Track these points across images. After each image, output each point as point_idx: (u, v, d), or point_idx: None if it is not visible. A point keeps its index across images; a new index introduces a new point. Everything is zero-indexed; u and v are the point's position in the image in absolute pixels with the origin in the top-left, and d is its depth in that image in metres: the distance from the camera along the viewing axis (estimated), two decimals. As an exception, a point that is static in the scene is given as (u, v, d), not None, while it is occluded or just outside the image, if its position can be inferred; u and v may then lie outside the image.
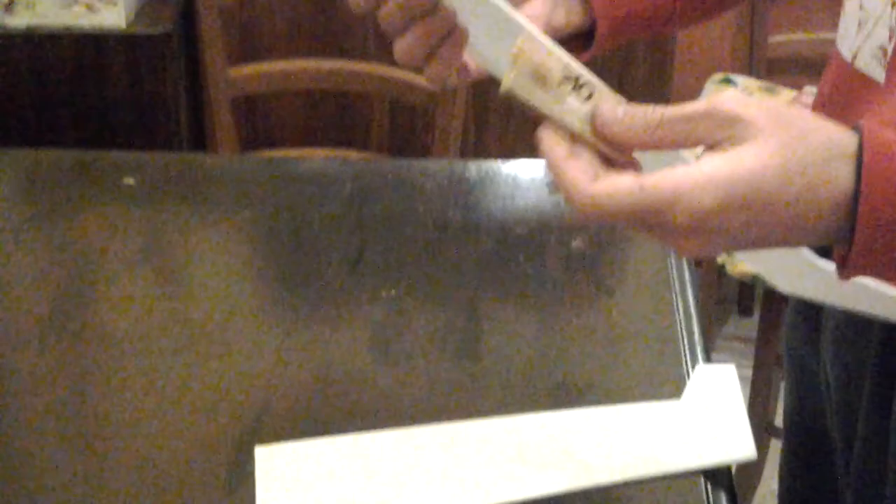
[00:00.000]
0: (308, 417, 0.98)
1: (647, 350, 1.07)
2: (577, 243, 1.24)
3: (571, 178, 0.59)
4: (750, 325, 2.53)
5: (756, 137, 0.57)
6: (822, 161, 0.57)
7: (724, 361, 1.02)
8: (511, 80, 0.63)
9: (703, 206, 0.57)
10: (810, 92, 2.26)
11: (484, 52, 0.81)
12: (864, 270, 0.61)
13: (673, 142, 0.59)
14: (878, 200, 0.57)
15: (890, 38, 0.75)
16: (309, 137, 2.36)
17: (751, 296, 2.61)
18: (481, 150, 2.36)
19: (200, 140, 2.58)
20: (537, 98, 0.63)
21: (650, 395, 0.99)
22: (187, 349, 1.07)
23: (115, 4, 2.26)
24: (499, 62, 0.75)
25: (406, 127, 2.34)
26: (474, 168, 1.37)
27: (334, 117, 2.36)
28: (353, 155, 1.94)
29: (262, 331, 1.10)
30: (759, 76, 2.37)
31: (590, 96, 0.62)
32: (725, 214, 0.57)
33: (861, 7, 0.78)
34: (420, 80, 1.80)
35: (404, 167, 1.42)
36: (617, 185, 0.58)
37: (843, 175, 0.58)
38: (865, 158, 0.58)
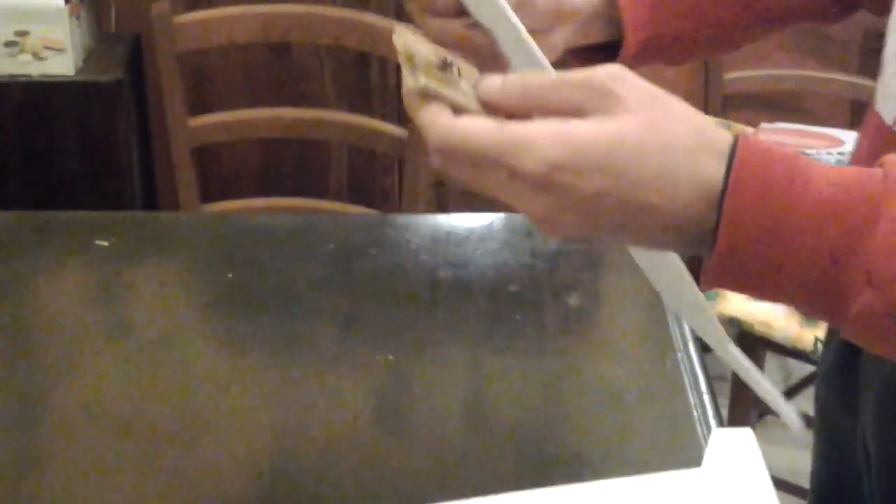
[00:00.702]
0: (313, 495, 0.94)
1: (660, 414, 1.04)
2: (573, 300, 1.21)
3: (432, 111, 0.59)
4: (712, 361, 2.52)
5: (624, 112, 0.56)
6: (686, 149, 0.56)
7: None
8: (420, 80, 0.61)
9: (555, 156, 0.55)
10: (767, 129, 2.27)
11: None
12: (727, 278, 0.58)
13: (548, 108, 0.57)
14: (745, 200, 0.55)
15: None
16: (265, 185, 2.31)
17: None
18: (445, 196, 2.34)
19: (151, 188, 2.52)
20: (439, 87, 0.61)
21: (667, 462, 0.96)
22: (178, 429, 1.01)
23: (63, 52, 2.20)
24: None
25: (365, 173, 2.31)
26: (459, 222, 1.34)
27: (291, 164, 2.32)
28: (316, 205, 1.89)
29: (257, 405, 1.05)
30: (715, 113, 2.38)
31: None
32: (575, 174, 0.56)
33: None
34: (385, 127, 1.77)
35: (387, 222, 1.38)
36: (478, 121, 0.57)
37: (709, 169, 0.56)
38: (736, 159, 0.56)
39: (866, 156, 0.81)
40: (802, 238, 0.55)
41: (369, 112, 1.84)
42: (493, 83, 0.59)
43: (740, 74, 2.40)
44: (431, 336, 1.15)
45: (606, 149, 0.56)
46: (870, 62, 2.70)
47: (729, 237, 0.56)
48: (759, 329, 1.83)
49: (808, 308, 0.58)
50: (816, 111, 2.60)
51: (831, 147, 2.20)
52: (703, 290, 0.61)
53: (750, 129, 2.30)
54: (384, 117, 1.78)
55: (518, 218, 1.36)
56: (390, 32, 1.75)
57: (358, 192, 2.29)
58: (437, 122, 0.58)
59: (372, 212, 1.84)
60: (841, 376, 0.94)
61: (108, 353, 1.12)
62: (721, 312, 1.88)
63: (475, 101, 0.60)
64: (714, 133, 0.57)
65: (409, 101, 0.61)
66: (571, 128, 0.56)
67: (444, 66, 0.62)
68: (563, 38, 0.78)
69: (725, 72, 2.38)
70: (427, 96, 0.61)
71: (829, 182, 0.56)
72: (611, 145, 0.56)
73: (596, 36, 0.80)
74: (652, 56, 0.81)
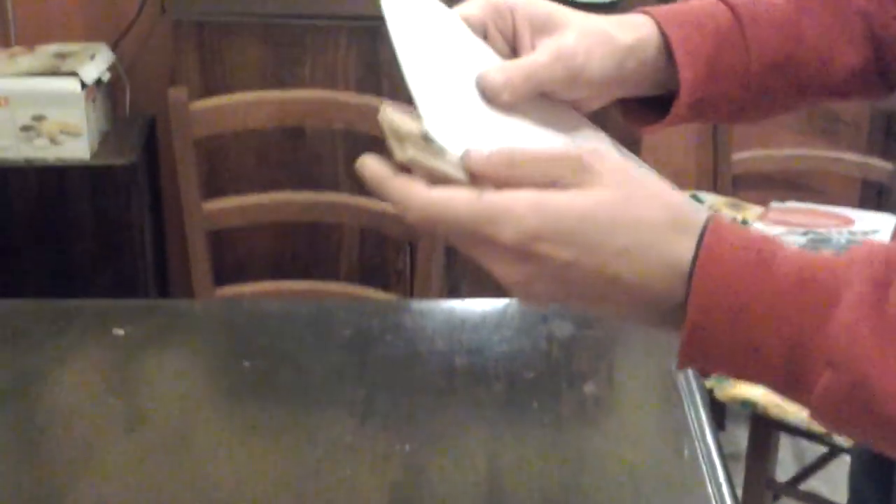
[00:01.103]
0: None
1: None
2: (589, 387, 1.21)
3: (403, 187, 0.61)
4: (724, 440, 2.51)
5: (599, 187, 0.59)
6: (656, 226, 0.59)
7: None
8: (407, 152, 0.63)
9: (531, 226, 0.58)
10: (777, 208, 2.28)
11: None
12: (697, 355, 0.60)
13: (531, 179, 0.60)
14: (713, 280, 0.57)
15: None
16: (278, 267, 2.32)
17: (722, 411, 2.60)
18: (457, 277, 2.34)
19: (164, 271, 2.53)
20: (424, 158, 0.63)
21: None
22: (198, 519, 1.01)
23: (79, 136, 2.23)
24: None
25: (377, 255, 2.32)
26: (474, 307, 1.35)
27: (304, 247, 2.33)
28: (329, 288, 1.90)
29: (273, 495, 1.05)
30: (725, 192, 2.40)
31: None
32: (550, 244, 0.58)
33: None
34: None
35: (402, 308, 1.39)
36: (455, 192, 0.60)
37: (679, 248, 0.59)
38: (706, 239, 0.58)
39: None
40: (768, 320, 0.57)
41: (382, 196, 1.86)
42: (480, 154, 0.61)
43: (750, 154, 2.42)
44: (448, 425, 1.15)
45: (579, 221, 0.58)
46: (878, 142, 2.72)
47: (697, 315, 0.58)
48: (773, 411, 1.83)
49: (776, 387, 0.60)
50: (826, 190, 2.62)
51: (842, 226, 2.20)
52: (679, 369, 0.62)
53: (759, 209, 2.31)
54: (397, 200, 1.79)
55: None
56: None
57: (370, 275, 2.29)
58: (412, 194, 0.61)
59: (385, 294, 1.84)
60: (877, 462, 0.93)
61: (125, 444, 1.12)
62: (734, 395, 1.87)
63: (461, 171, 0.62)
64: (686, 212, 0.60)
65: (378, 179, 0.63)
66: (548, 198, 0.58)
67: (428, 137, 0.64)
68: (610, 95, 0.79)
69: (735, 152, 2.40)
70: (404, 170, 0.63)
71: (795, 267, 0.57)
72: (584, 218, 0.58)
73: (646, 90, 0.80)
74: (701, 115, 0.81)
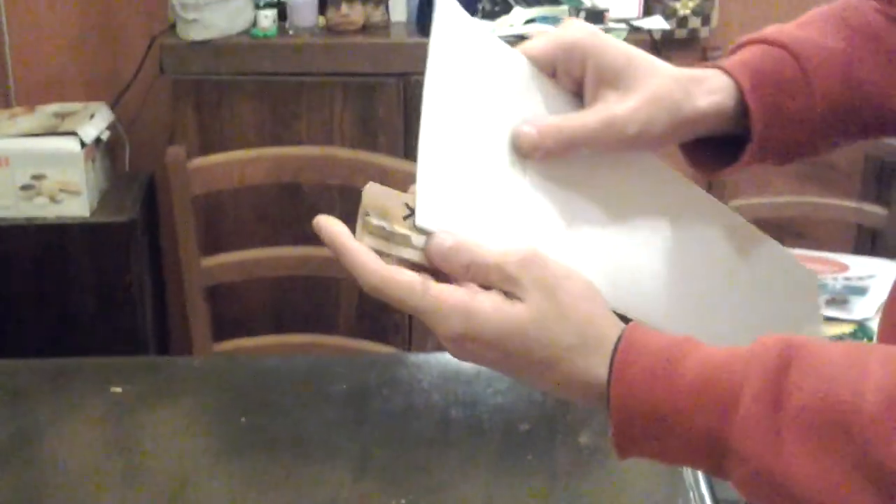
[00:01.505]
0: None
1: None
2: (583, 438, 1.21)
3: (357, 257, 0.67)
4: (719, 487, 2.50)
5: (521, 299, 0.66)
6: (567, 346, 0.66)
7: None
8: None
9: (457, 330, 0.65)
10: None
11: None
12: (628, 451, 0.65)
13: (479, 282, 0.67)
14: (627, 391, 0.64)
15: None
16: (277, 322, 2.34)
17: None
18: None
19: (164, 325, 2.54)
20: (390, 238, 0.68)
21: None
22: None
23: (79, 194, 2.25)
24: None
25: (375, 308, 2.33)
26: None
27: (302, 301, 2.34)
28: (327, 341, 1.91)
29: (272, 551, 1.05)
30: (720, 240, 2.41)
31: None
32: (475, 345, 0.66)
33: None
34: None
35: (398, 361, 1.40)
36: (402, 279, 0.66)
37: (591, 365, 0.66)
38: (618, 356, 0.65)
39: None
40: (681, 421, 0.63)
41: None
42: (441, 247, 0.67)
43: (745, 201, 2.43)
44: (444, 478, 1.16)
45: (498, 332, 0.66)
46: (872, 187, 2.73)
47: (618, 420, 0.64)
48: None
49: (710, 474, 0.65)
50: (821, 236, 2.63)
51: (837, 272, 2.21)
52: (621, 459, 0.67)
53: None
54: (394, 253, 1.81)
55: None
56: (401, 172, 1.79)
57: (369, 328, 2.30)
58: (366, 267, 0.67)
59: (384, 347, 1.85)
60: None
61: (124, 500, 1.12)
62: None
63: (422, 254, 0.68)
64: (598, 330, 0.67)
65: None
66: (475, 307, 0.66)
67: (409, 215, 0.68)
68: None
69: (730, 198, 2.41)
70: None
71: (699, 370, 0.63)
72: (501, 330, 0.65)
73: (713, 132, 0.79)
74: (764, 159, 0.81)
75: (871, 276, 2.21)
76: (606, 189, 0.78)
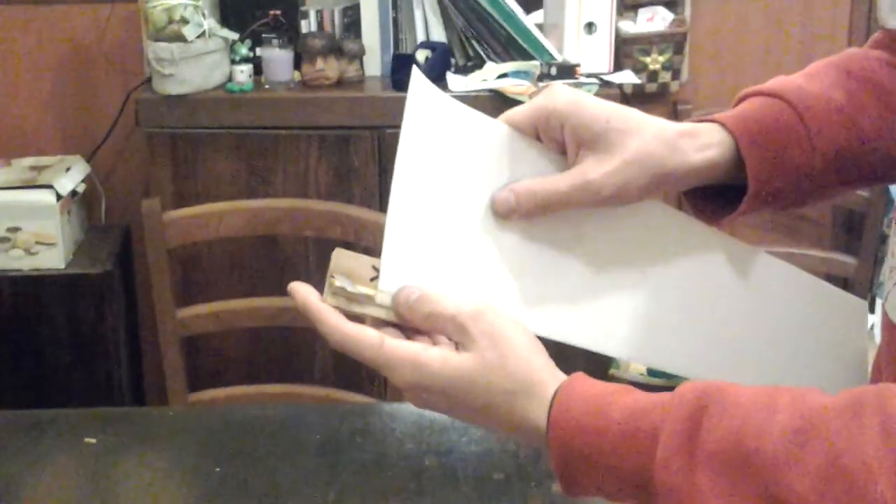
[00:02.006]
0: None
1: None
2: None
3: (324, 318, 0.74)
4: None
5: (469, 350, 0.72)
6: (507, 391, 0.72)
7: None
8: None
9: (408, 380, 0.72)
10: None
11: None
12: (572, 489, 0.71)
13: (437, 332, 0.74)
14: (564, 435, 0.69)
15: None
16: (252, 372, 2.34)
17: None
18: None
19: (139, 376, 2.54)
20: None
21: None
22: None
23: (54, 246, 2.26)
24: None
25: (349, 359, 2.33)
26: (443, 410, 1.37)
27: (277, 351, 2.35)
28: (303, 391, 1.92)
29: None
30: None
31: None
32: (428, 394, 0.73)
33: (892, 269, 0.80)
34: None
35: (372, 411, 1.40)
36: (361, 335, 0.73)
37: (530, 411, 0.72)
38: (556, 402, 0.71)
39: (885, 357, 0.83)
40: (610, 460, 0.68)
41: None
42: (408, 297, 0.74)
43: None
44: (418, 526, 1.16)
45: (444, 381, 0.72)
46: (841, 238, 2.77)
47: (559, 463, 0.70)
48: None
49: None
50: (790, 286, 2.65)
51: (807, 321, 2.24)
52: (570, 497, 0.73)
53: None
54: (368, 304, 1.82)
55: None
56: (375, 223, 1.79)
57: (345, 378, 2.31)
58: (330, 327, 0.73)
59: (359, 397, 1.86)
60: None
61: (97, 553, 1.12)
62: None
63: (387, 309, 0.74)
64: (539, 378, 0.72)
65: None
66: (423, 358, 0.72)
67: (375, 277, 0.75)
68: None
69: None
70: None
71: (626, 415, 0.68)
72: (447, 379, 0.72)
73: (711, 182, 0.81)
74: (761, 208, 0.83)
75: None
76: (598, 239, 0.80)
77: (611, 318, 0.80)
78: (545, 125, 0.78)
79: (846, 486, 0.60)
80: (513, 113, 0.79)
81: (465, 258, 0.76)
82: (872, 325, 2.37)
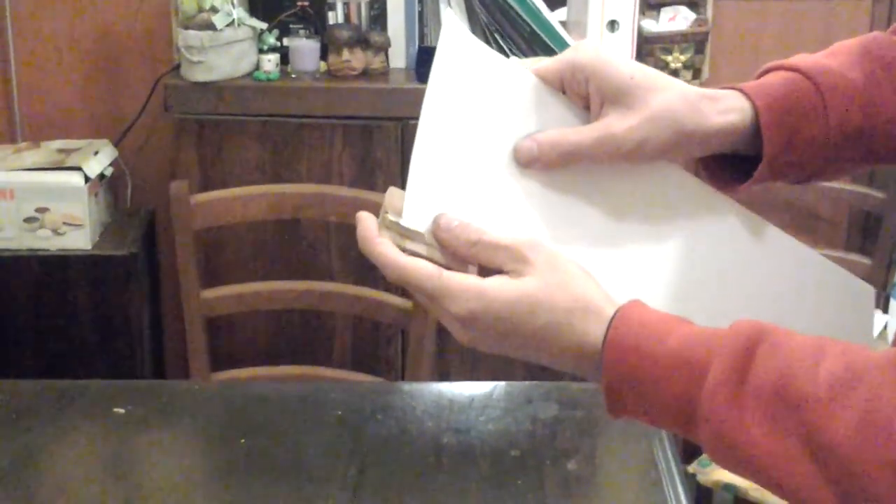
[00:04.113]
0: None
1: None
2: (572, 465, 1.26)
3: (382, 251, 0.75)
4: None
5: (529, 275, 0.74)
6: (569, 309, 0.74)
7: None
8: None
9: (472, 308, 0.73)
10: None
11: None
12: (616, 410, 0.74)
13: (482, 260, 0.76)
14: (617, 355, 0.72)
15: None
16: (273, 354, 2.37)
17: (709, 497, 2.62)
18: (447, 364, 2.40)
19: (160, 357, 2.58)
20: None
21: None
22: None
23: (81, 227, 2.30)
24: None
25: (369, 343, 2.37)
26: (462, 390, 1.40)
27: (298, 334, 2.38)
28: (322, 373, 1.95)
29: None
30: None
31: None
32: (485, 322, 0.74)
33: None
34: (389, 298, 1.84)
35: (393, 389, 1.44)
36: (419, 266, 0.75)
37: (589, 327, 0.74)
38: (614, 323, 0.73)
39: None
40: (660, 384, 0.71)
41: (374, 284, 1.92)
42: (449, 222, 0.75)
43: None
44: (437, 501, 1.20)
45: (509, 305, 0.73)
46: (856, 239, 2.79)
47: (608, 382, 0.73)
48: (753, 495, 1.87)
49: (683, 434, 0.72)
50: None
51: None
52: (611, 418, 0.75)
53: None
54: (388, 289, 1.85)
55: (518, 386, 1.42)
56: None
57: (362, 361, 2.34)
58: (388, 260, 0.75)
59: (376, 379, 1.89)
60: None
61: (126, 516, 1.16)
62: (716, 480, 1.91)
63: (431, 242, 0.76)
64: (598, 299, 0.75)
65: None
66: (486, 284, 0.74)
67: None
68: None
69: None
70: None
71: (681, 343, 0.71)
72: (512, 302, 0.73)
73: (728, 149, 0.84)
74: (776, 178, 0.85)
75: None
76: (616, 196, 0.83)
77: (620, 273, 0.82)
78: (571, 79, 0.80)
79: (885, 437, 0.63)
80: (541, 65, 0.82)
81: (486, 200, 0.78)
82: (886, 325, 2.39)
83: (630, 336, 0.72)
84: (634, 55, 2.49)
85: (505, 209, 0.79)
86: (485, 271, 0.77)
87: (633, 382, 0.72)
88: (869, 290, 0.96)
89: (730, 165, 0.86)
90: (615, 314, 0.74)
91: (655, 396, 0.71)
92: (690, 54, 2.54)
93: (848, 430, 0.64)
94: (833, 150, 0.84)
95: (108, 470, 1.26)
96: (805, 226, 2.74)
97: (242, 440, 1.30)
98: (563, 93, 0.82)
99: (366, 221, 0.77)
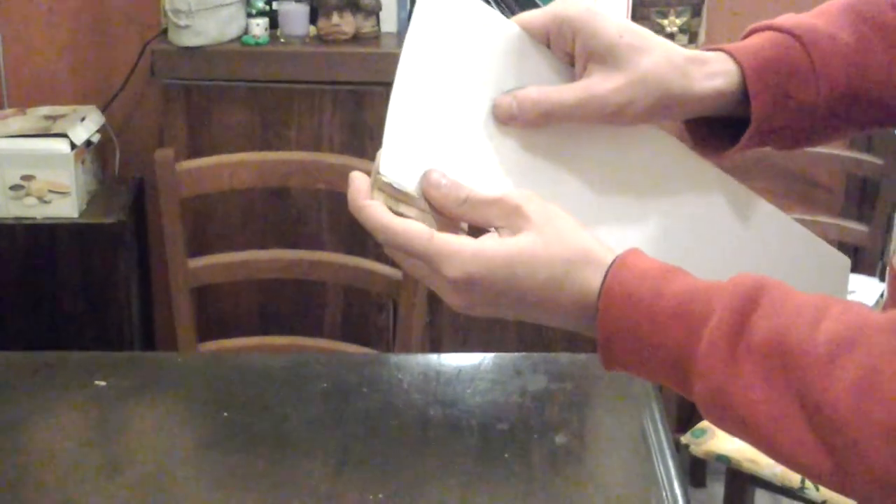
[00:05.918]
0: None
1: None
2: (560, 438, 1.24)
3: (372, 212, 0.72)
4: (704, 496, 2.55)
5: (525, 231, 0.71)
6: (568, 260, 0.71)
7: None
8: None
9: (468, 271, 0.70)
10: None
11: None
12: (611, 361, 0.71)
13: (473, 218, 0.73)
14: (614, 305, 0.69)
15: None
16: (262, 324, 2.35)
17: (703, 468, 2.62)
18: (438, 334, 2.38)
19: (149, 326, 2.56)
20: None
21: None
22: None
23: (68, 195, 2.27)
24: None
25: (360, 312, 2.35)
26: (450, 361, 1.38)
27: (287, 304, 2.36)
28: (312, 343, 1.93)
29: (251, 542, 1.07)
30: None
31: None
32: (484, 284, 0.70)
33: None
34: (380, 268, 1.82)
35: (379, 361, 1.42)
36: (412, 227, 0.71)
37: (588, 278, 0.71)
38: (611, 272, 0.70)
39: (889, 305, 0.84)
40: (656, 339, 0.69)
41: (364, 254, 1.90)
42: (438, 179, 0.73)
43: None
44: (422, 475, 1.18)
45: (508, 262, 0.70)
46: (854, 205, 2.76)
47: (603, 332, 0.70)
48: (747, 466, 1.85)
49: (676, 388, 0.70)
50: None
51: (816, 287, 2.24)
52: (606, 370, 0.73)
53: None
54: (378, 259, 1.83)
55: (507, 358, 1.40)
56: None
57: (353, 331, 2.32)
58: (376, 219, 0.72)
59: (366, 350, 1.87)
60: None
61: (104, 492, 1.14)
62: (709, 450, 1.89)
63: (421, 201, 0.72)
64: (595, 251, 0.72)
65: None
66: (483, 246, 0.71)
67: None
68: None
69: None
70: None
71: (679, 295, 0.69)
72: (511, 259, 0.70)
73: (715, 113, 0.81)
74: (766, 143, 0.83)
75: (851, 293, 2.24)
76: (598, 159, 0.80)
77: (599, 237, 0.79)
78: (557, 33, 0.77)
79: (879, 399, 0.61)
80: (527, 15, 0.78)
81: (464, 156, 0.75)
82: (883, 294, 2.36)
83: (627, 285, 0.70)
84: (629, 18, 2.45)
85: (482, 166, 0.75)
86: (474, 232, 0.74)
87: (628, 333, 0.69)
88: (845, 262, 0.94)
89: (718, 130, 0.83)
90: (613, 262, 0.71)
91: (651, 349, 0.69)
92: (687, 18, 2.50)
93: (843, 392, 0.61)
94: (822, 114, 0.81)
95: (88, 442, 1.24)
96: (802, 192, 2.72)
97: (225, 413, 1.28)
98: (548, 47, 0.78)
99: (357, 182, 0.74)
